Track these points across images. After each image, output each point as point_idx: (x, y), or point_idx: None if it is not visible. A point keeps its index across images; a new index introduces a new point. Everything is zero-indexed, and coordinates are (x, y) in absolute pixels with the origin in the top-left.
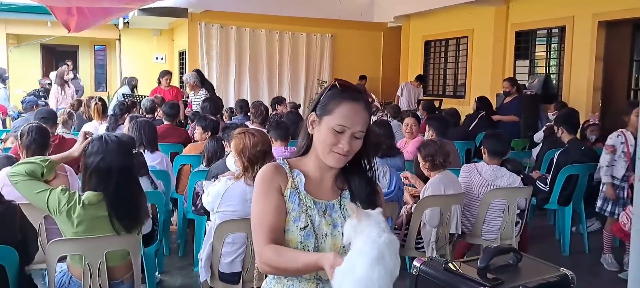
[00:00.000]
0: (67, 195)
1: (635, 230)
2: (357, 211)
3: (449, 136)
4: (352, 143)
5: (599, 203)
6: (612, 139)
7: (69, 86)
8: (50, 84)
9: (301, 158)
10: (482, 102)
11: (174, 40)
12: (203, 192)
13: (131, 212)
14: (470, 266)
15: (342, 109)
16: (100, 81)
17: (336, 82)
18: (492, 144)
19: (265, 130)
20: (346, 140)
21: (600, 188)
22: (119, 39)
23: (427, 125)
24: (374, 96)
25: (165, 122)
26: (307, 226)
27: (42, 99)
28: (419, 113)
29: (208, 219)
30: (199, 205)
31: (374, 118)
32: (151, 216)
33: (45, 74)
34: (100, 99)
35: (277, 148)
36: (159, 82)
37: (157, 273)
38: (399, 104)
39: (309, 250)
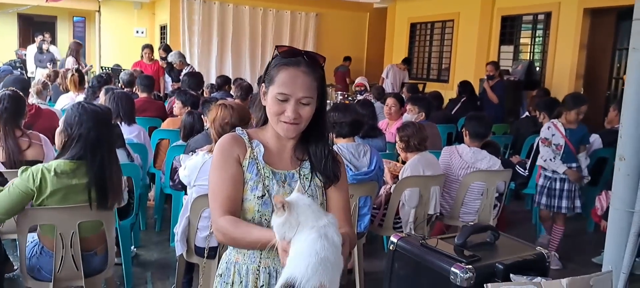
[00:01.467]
0: (29, 172)
1: (614, 210)
2: (282, 203)
3: (432, 119)
4: (300, 110)
5: (537, 197)
6: (545, 132)
7: (83, 60)
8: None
9: (261, 129)
10: (465, 86)
11: (155, 14)
12: (180, 167)
13: (112, 185)
14: (448, 243)
15: (280, 77)
16: None
17: (276, 49)
18: (473, 126)
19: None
20: (291, 108)
21: (537, 182)
22: (99, 11)
23: (411, 105)
24: (366, 80)
25: (143, 95)
26: (265, 195)
27: (19, 69)
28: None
29: (185, 194)
30: (177, 180)
31: (359, 97)
32: (127, 189)
33: (22, 45)
34: (77, 71)
35: None
36: (142, 56)
37: (132, 247)
38: (384, 86)
39: (266, 219)
